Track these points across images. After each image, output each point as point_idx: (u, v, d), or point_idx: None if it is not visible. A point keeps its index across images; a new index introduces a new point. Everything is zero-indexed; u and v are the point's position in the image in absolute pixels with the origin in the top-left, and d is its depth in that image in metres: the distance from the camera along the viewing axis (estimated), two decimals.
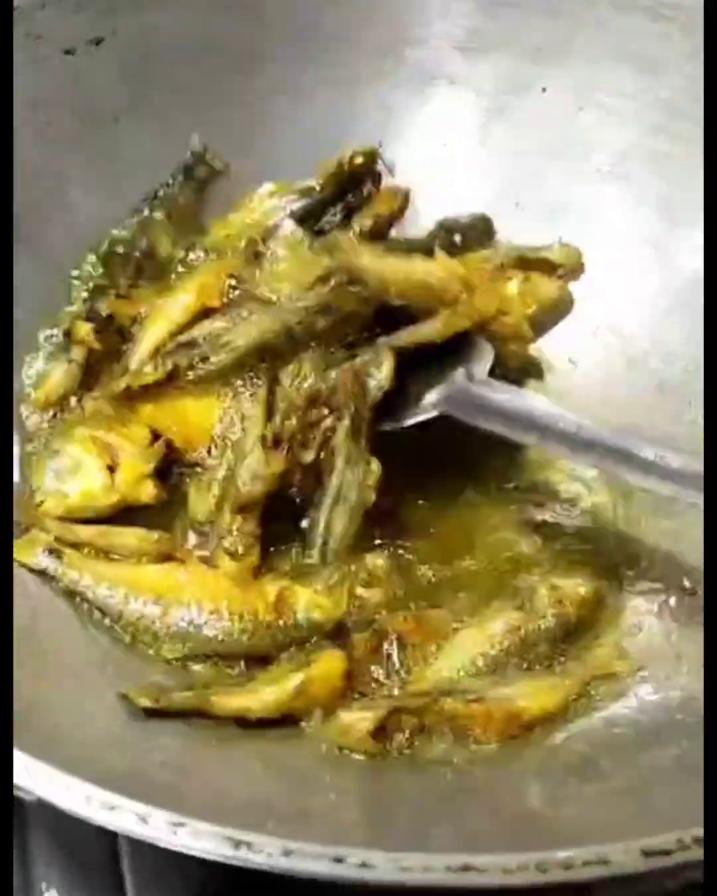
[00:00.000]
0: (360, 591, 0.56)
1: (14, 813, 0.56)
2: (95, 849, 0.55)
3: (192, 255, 0.68)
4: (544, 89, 0.73)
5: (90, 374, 0.63)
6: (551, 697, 0.54)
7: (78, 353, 0.63)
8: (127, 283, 0.67)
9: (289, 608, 0.55)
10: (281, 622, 0.55)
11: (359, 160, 0.70)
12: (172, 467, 0.61)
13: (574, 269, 0.67)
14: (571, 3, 0.71)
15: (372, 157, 0.71)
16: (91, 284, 0.66)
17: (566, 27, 0.72)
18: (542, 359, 0.69)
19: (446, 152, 0.74)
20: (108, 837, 0.55)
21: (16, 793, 0.35)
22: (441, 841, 0.42)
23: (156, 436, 0.61)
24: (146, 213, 0.69)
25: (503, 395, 0.59)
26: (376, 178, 0.71)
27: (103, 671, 0.52)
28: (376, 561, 0.58)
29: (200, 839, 0.33)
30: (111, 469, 0.59)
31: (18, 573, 0.56)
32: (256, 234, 0.67)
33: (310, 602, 0.55)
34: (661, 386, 0.68)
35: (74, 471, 0.59)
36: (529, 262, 0.66)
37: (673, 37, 0.69)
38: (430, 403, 0.60)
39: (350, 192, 0.70)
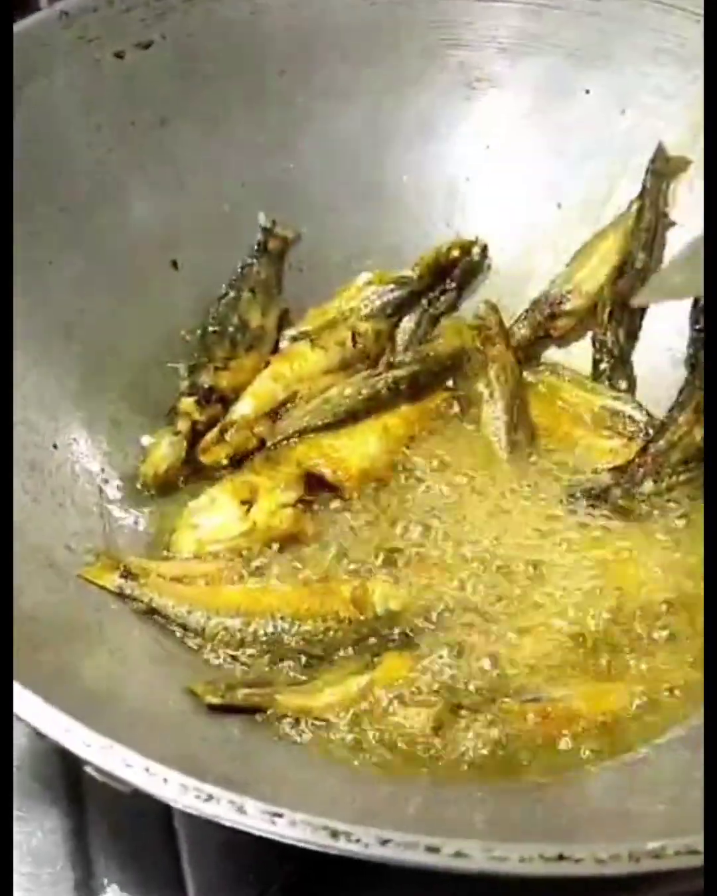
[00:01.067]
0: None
1: (73, 810, 0.57)
2: (156, 846, 0.55)
3: (289, 335, 0.71)
4: (587, 91, 0.73)
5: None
6: (610, 702, 0.54)
7: (183, 426, 0.65)
8: (224, 357, 0.69)
9: (367, 603, 0.56)
10: (362, 617, 0.56)
11: (456, 253, 0.73)
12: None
13: None
14: (613, 4, 0.71)
15: (468, 249, 0.73)
16: (191, 363, 0.69)
17: (608, 28, 0.72)
18: None
19: (489, 154, 0.75)
20: (168, 835, 0.55)
21: (113, 785, 0.36)
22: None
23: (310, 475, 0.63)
24: (233, 294, 0.71)
25: None
26: (470, 268, 0.73)
27: (167, 665, 0.52)
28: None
29: (298, 829, 0.34)
30: (249, 505, 0.60)
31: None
32: (354, 322, 0.70)
33: (384, 594, 0.56)
34: None
35: (209, 509, 0.61)
36: None
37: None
38: None
39: (443, 282, 0.73)
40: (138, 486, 0.63)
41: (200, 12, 0.69)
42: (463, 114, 0.74)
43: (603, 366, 0.71)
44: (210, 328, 0.70)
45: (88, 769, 0.36)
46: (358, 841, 0.33)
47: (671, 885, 0.50)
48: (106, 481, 0.62)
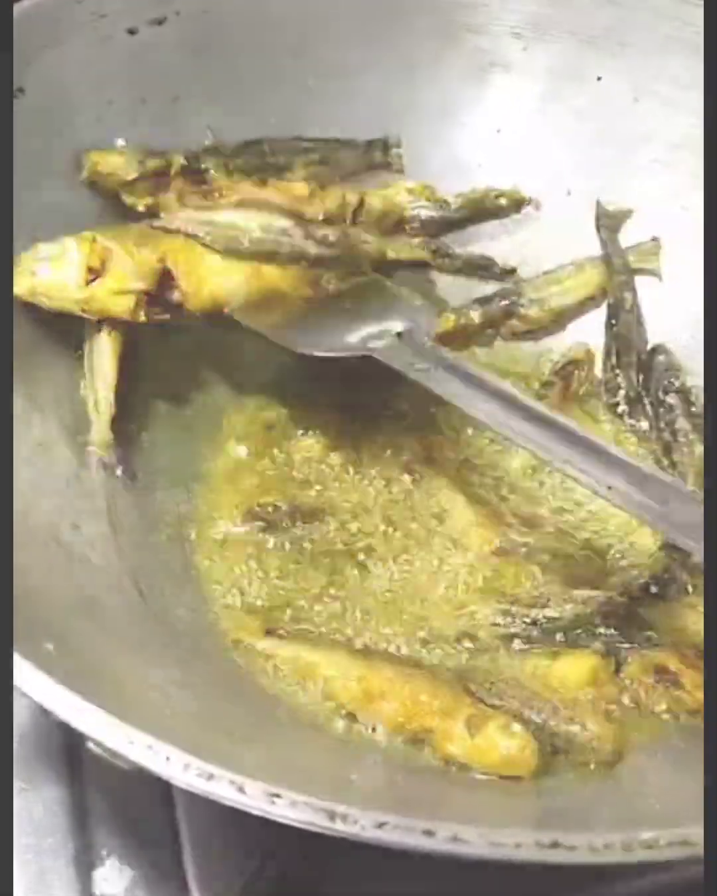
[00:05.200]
0: None
1: (73, 782, 0.58)
2: (155, 818, 0.56)
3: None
4: (599, 78, 0.73)
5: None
6: None
7: (153, 163, 0.65)
8: (249, 168, 0.68)
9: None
10: None
11: (502, 201, 0.73)
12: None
13: None
14: None
15: (516, 204, 0.73)
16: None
17: (623, 16, 0.71)
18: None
19: (501, 139, 0.75)
20: (167, 807, 0.56)
21: (114, 761, 0.36)
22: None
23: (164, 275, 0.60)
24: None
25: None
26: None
27: (173, 647, 0.53)
28: None
29: (297, 810, 0.34)
30: (95, 274, 0.57)
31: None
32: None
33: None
34: None
35: (56, 259, 0.57)
36: None
37: None
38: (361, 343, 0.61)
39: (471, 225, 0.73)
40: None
41: None
42: (475, 98, 0.74)
43: (621, 409, 0.70)
44: (262, 144, 0.69)
45: (90, 745, 0.37)
46: (355, 823, 0.34)
47: (668, 872, 0.52)
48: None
